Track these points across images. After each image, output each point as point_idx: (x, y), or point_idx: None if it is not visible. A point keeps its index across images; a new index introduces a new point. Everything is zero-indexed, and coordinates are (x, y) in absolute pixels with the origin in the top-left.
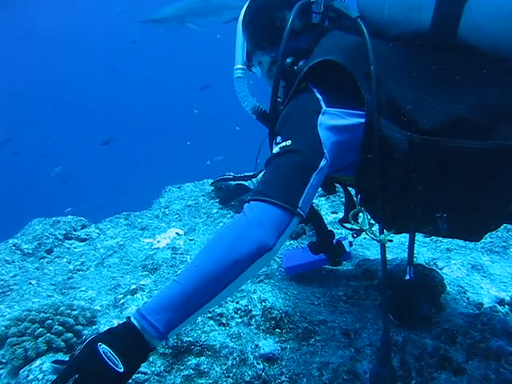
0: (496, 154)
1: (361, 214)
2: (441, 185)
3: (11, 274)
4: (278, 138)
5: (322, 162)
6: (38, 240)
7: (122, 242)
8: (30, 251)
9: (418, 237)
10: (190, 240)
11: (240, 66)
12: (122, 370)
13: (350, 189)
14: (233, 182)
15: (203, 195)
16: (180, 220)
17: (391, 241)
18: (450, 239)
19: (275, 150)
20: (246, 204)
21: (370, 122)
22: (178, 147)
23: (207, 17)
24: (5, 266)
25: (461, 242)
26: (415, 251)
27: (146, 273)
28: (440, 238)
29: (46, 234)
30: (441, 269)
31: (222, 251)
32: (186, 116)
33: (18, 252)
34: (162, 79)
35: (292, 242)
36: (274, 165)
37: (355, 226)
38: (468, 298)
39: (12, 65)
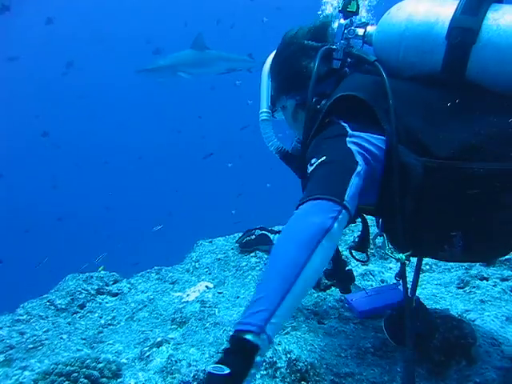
0: (505, 175)
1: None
2: (455, 204)
3: (44, 329)
4: (313, 160)
5: (358, 168)
6: (71, 295)
7: (152, 296)
8: (63, 306)
9: (451, 288)
10: (219, 293)
11: (265, 110)
12: (227, 372)
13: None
14: (259, 231)
15: (232, 248)
16: (210, 273)
17: (409, 260)
18: (484, 291)
19: (311, 168)
20: (296, 210)
21: (390, 149)
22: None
23: (202, 68)
24: (39, 321)
25: (495, 294)
26: (448, 302)
27: (175, 326)
28: (473, 290)
29: (79, 289)
30: (473, 321)
31: (287, 238)
32: (221, 172)
33: (52, 307)
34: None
35: (320, 293)
36: (313, 176)
37: (362, 255)
38: (502, 351)
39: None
